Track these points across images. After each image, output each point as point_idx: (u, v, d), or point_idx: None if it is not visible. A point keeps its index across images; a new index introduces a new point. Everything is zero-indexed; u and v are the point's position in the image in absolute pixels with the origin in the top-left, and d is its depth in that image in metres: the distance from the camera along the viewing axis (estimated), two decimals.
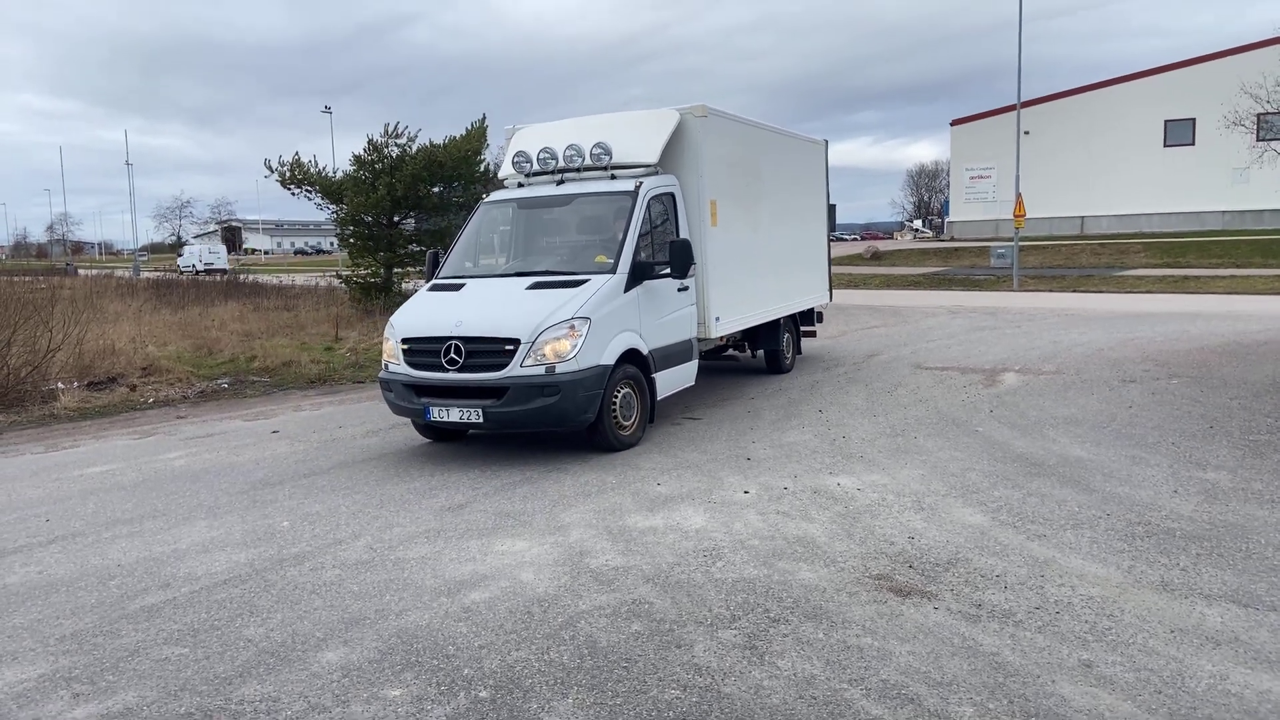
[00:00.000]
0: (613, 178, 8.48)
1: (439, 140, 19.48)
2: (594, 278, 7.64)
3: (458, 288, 8.07)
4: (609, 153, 8.46)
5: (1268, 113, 23.25)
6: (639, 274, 7.88)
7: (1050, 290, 26.04)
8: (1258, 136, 25.25)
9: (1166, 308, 19.18)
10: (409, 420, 8.39)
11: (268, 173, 19.69)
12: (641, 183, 8.28)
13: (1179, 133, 41.60)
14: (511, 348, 7.04)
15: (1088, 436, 7.65)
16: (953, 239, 47.62)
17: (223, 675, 3.84)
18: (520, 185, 9.00)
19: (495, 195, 9.21)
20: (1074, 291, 25.34)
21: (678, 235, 8.50)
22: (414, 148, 19.26)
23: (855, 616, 4.21)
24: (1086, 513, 5.62)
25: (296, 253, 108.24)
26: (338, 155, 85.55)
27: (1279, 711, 3.29)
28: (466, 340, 7.17)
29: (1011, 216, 28.00)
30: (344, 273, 22.03)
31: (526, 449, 7.88)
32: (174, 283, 28.71)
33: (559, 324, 7.11)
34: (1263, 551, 4.84)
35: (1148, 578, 4.57)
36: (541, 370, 7.00)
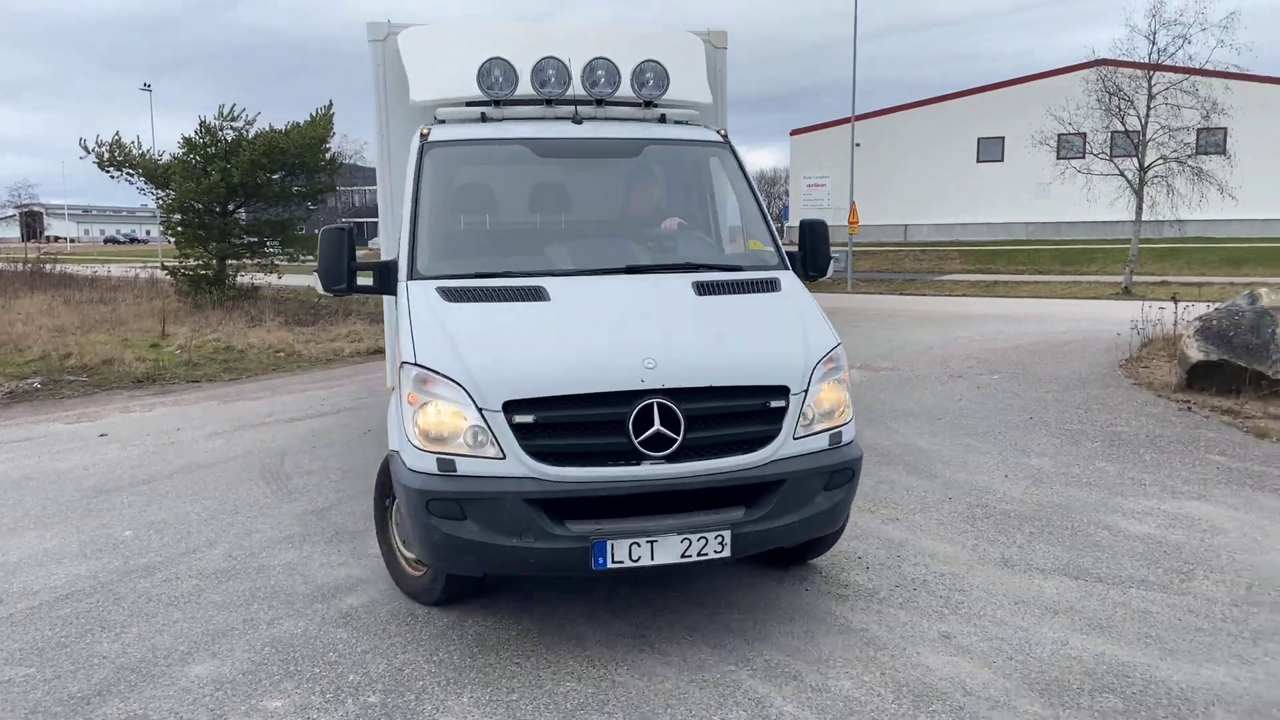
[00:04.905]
0: (662, 119, 5.33)
1: (280, 126, 18.52)
2: (780, 275, 4.75)
3: (536, 294, 4.22)
4: (666, 79, 5.16)
5: (1068, 133, 25.74)
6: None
7: (880, 292, 27.74)
8: (1058, 155, 27.86)
9: (982, 310, 20.85)
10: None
11: (83, 153, 18.13)
12: (726, 131, 5.52)
13: (990, 149, 45.20)
14: (779, 404, 3.92)
15: (925, 428, 8.25)
16: (791, 243, 49.74)
17: (78, 695, 3.56)
18: (484, 118, 5.15)
19: (454, 131, 5.09)
20: (900, 294, 27.10)
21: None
22: (252, 132, 18.23)
23: (735, 600, 4.39)
24: (932, 497, 6.07)
25: (107, 241, 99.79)
26: (159, 137, 79.42)
27: (1114, 671, 3.71)
28: (681, 395, 3.74)
29: (846, 223, 29.60)
30: (170, 264, 20.55)
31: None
32: None
33: (828, 356, 4.15)
34: (1086, 529, 5.41)
35: (990, 555, 5.01)
36: (825, 442, 4.05)
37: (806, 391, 3.97)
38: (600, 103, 5.16)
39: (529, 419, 3.66)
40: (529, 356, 3.86)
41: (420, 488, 3.69)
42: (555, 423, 3.69)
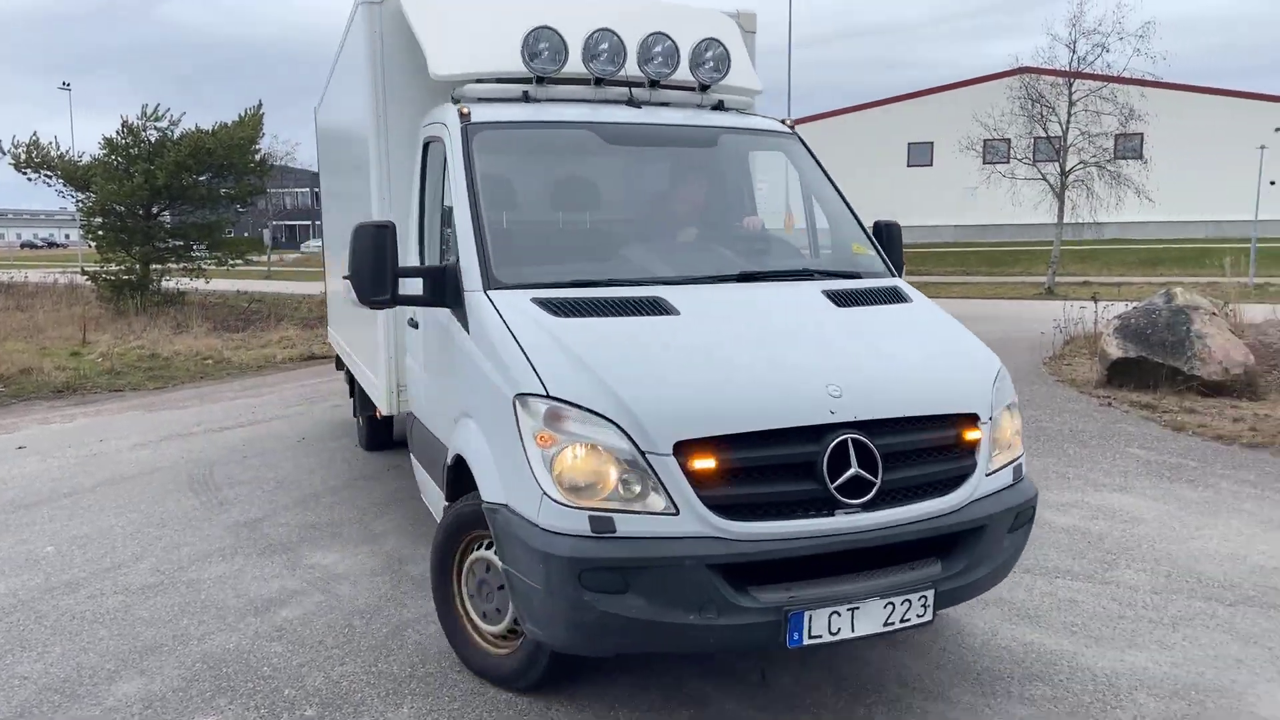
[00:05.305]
0: (719, 105, 4.74)
1: (207, 126, 18.05)
2: (898, 283, 4.25)
3: (658, 307, 3.57)
4: (727, 61, 4.53)
5: (993, 139, 26.54)
6: None
7: None
8: (984, 160, 28.70)
9: None
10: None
11: None
12: (791, 121, 4.98)
13: (919, 154, 46.33)
14: (974, 435, 3.40)
15: None
16: None
17: None
18: (526, 98, 4.37)
19: (501, 112, 4.27)
20: None
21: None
22: (177, 132, 17.72)
23: None
24: None
25: (23, 245, 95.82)
26: (79, 137, 76.62)
27: (1042, 659, 3.85)
28: (875, 428, 3.17)
29: (782, 228, 29.98)
30: (91, 268, 19.84)
31: (326, 460, 7.51)
32: None
33: (998, 376, 3.64)
34: None
35: None
36: (1009, 477, 3.54)
37: (992, 419, 3.44)
38: (654, 84, 4.50)
39: (709, 463, 2.97)
40: (693, 385, 3.17)
41: (571, 555, 2.89)
42: (737, 467, 3.02)
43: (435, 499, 4.29)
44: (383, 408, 5.29)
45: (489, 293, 3.56)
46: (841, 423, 3.09)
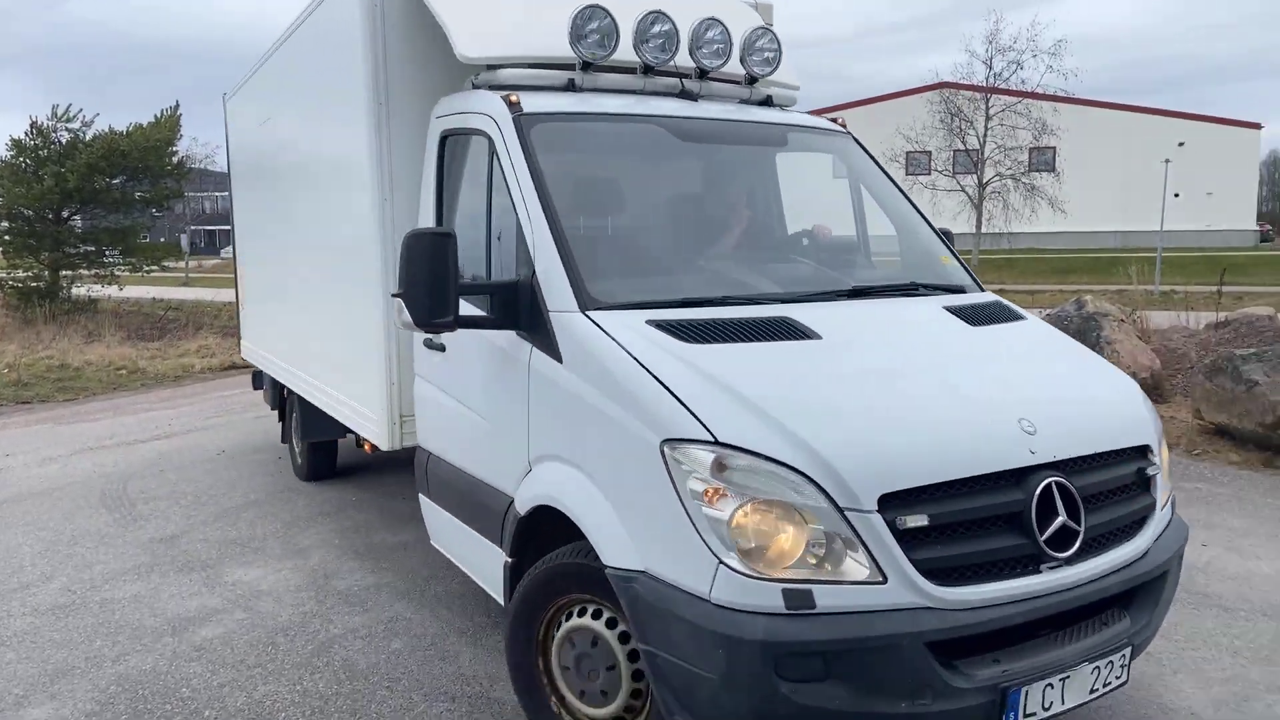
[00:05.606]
0: (767, 101, 4.30)
1: (122, 127, 17.46)
2: (998, 298, 3.88)
3: (793, 330, 3.08)
4: (779, 53, 4.16)
5: (915, 151, 27.32)
6: None
7: None
8: (907, 171, 29.52)
9: None
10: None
11: None
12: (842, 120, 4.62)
13: None
14: (1151, 470, 3.08)
15: None
16: None
17: None
18: (572, 86, 3.80)
19: (555, 103, 3.71)
20: None
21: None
22: (90, 134, 17.11)
23: None
24: None
25: None
26: None
27: None
28: (1073, 468, 2.81)
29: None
30: None
31: (247, 473, 7.30)
32: None
33: (1146, 399, 3.37)
34: None
35: None
36: (1169, 512, 3.24)
37: (1159, 449, 3.12)
38: (703, 75, 4.01)
39: (920, 520, 2.49)
40: (886, 424, 2.69)
41: (765, 638, 2.37)
42: (944, 522, 2.55)
43: (473, 550, 3.75)
44: (381, 442, 4.50)
45: (589, 314, 2.99)
46: (1042, 464, 2.70)
